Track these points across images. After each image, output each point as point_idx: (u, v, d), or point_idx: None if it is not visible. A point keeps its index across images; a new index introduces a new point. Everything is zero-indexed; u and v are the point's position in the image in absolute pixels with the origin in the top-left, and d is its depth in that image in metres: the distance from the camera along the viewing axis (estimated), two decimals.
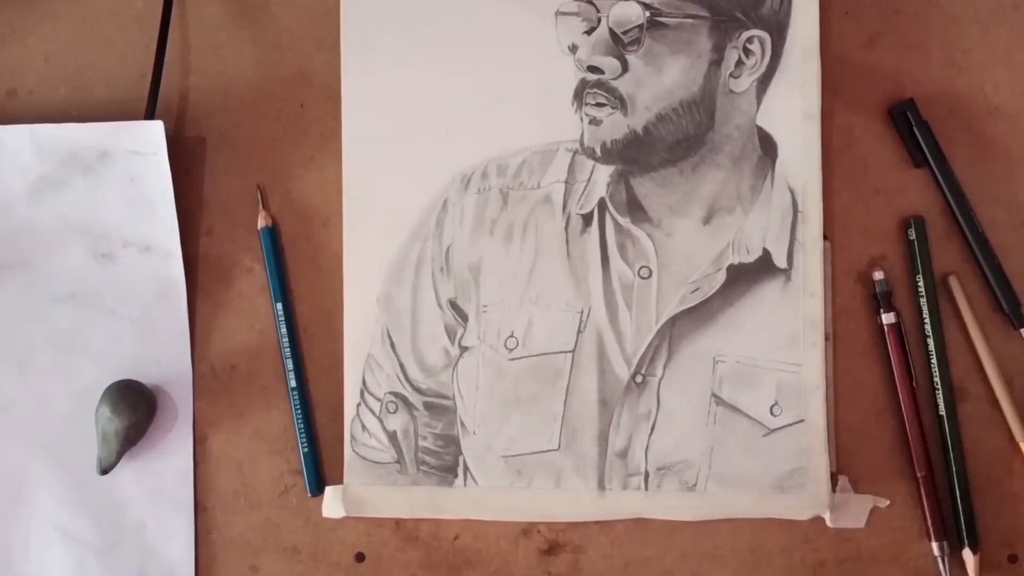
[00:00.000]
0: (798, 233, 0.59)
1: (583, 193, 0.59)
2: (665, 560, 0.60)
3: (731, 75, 0.59)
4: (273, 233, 0.61)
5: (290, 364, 0.61)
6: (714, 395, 0.58)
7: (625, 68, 0.59)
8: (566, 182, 0.59)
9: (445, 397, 0.59)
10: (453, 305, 0.60)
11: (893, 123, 0.61)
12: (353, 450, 0.60)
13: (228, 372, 0.61)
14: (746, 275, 0.59)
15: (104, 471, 0.59)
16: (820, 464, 0.58)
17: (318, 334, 0.61)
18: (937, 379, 0.59)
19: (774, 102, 0.59)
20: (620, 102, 0.59)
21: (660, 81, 0.59)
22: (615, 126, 0.59)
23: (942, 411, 0.59)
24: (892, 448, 0.60)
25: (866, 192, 0.61)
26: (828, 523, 0.59)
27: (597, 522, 0.60)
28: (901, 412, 0.59)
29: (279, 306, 0.61)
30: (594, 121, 0.59)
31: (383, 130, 0.60)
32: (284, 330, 0.61)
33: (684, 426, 0.59)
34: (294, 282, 0.62)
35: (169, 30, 0.61)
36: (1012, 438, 0.59)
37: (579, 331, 0.59)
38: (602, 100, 0.59)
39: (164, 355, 0.61)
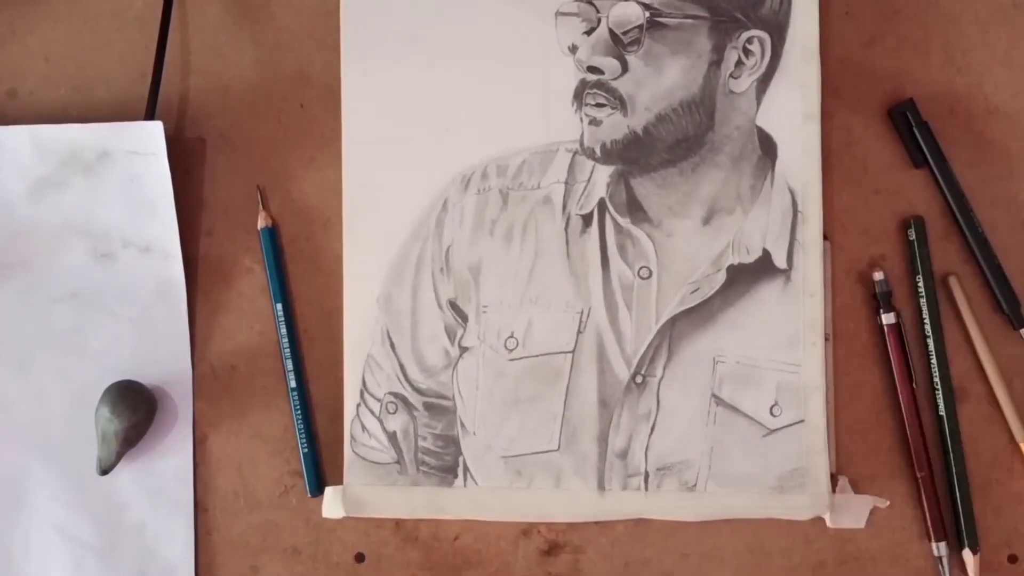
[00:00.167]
0: (798, 233, 0.59)
1: (583, 193, 0.59)
2: (665, 561, 0.60)
3: (731, 75, 0.59)
4: (273, 233, 0.61)
5: (290, 364, 0.61)
6: (714, 395, 0.58)
7: (625, 68, 0.59)
8: (566, 182, 0.59)
9: (445, 397, 0.59)
10: (453, 305, 0.60)
11: (893, 123, 0.61)
12: (353, 450, 0.60)
13: (228, 372, 0.61)
14: (746, 275, 0.59)
15: (104, 472, 0.59)
16: (820, 464, 0.58)
17: (318, 334, 0.61)
18: (937, 379, 0.59)
19: (774, 102, 0.59)
20: (620, 102, 0.59)
21: (660, 81, 0.59)
22: (615, 126, 0.59)
23: (942, 411, 0.59)
24: (892, 448, 0.60)
25: (866, 192, 0.61)
26: (828, 523, 0.59)
27: (597, 522, 0.60)
28: (901, 412, 0.59)
29: (279, 306, 0.61)
30: (594, 121, 0.59)
31: (383, 130, 0.60)
32: (284, 330, 0.61)
33: (684, 426, 0.59)
34: (294, 282, 0.62)
35: (169, 30, 0.61)
36: (1012, 438, 0.59)
37: (579, 331, 0.59)
38: (602, 100, 0.59)
39: (164, 355, 0.61)
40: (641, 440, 0.59)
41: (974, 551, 0.58)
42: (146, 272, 0.61)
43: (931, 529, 0.59)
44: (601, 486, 0.59)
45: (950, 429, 0.59)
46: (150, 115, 0.61)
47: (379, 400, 0.59)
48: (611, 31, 0.59)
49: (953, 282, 0.60)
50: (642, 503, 0.59)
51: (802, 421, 0.58)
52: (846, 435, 0.60)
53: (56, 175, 0.61)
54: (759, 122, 0.59)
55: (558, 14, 0.60)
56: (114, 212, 0.61)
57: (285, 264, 0.62)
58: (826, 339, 0.59)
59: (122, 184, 0.61)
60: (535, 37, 0.59)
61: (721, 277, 0.59)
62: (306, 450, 0.60)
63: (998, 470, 0.60)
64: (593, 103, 0.59)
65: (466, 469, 0.59)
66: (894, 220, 0.61)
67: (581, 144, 0.59)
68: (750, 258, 0.59)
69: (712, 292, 0.59)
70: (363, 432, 0.59)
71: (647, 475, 0.59)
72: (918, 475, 0.59)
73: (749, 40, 0.59)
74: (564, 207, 0.59)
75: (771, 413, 0.58)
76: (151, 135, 0.60)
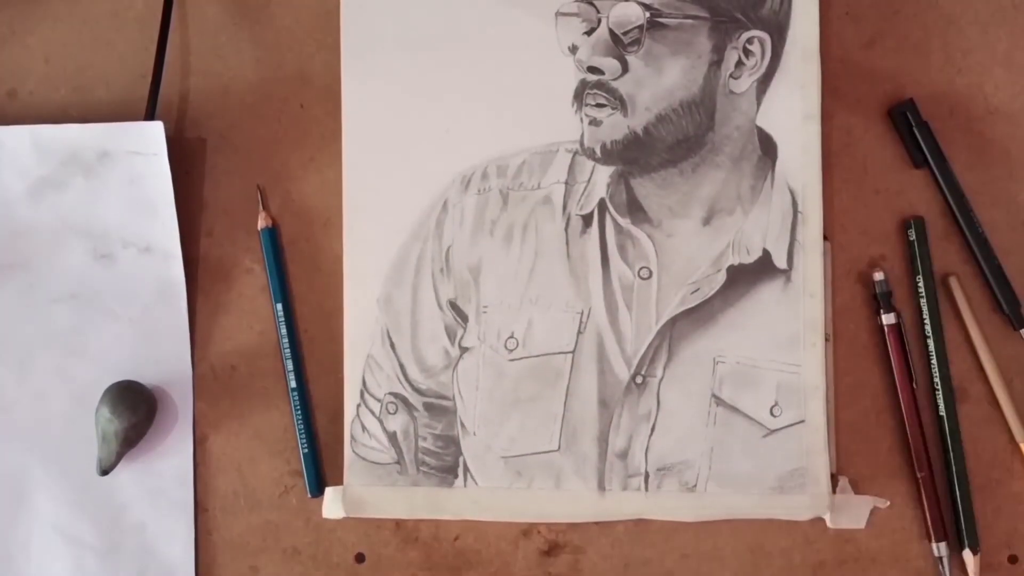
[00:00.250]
0: (798, 234, 0.59)
1: (583, 194, 0.59)
2: (665, 561, 0.60)
3: (731, 76, 0.59)
4: (273, 234, 0.61)
5: (290, 365, 0.61)
6: (714, 396, 0.58)
7: (625, 69, 0.59)
8: (566, 183, 0.59)
9: (445, 398, 0.59)
10: (453, 306, 0.60)
11: (893, 124, 0.61)
12: (353, 451, 0.60)
13: (228, 373, 0.61)
14: (746, 276, 0.59)
15: (104, 472, 0.59)
16: (820, 465, 0.58)
17: (318, 335, 0.61)
18: (937, 379, 0.59)
19: (774, 103, 0.59)
20: (620, 103, 0.59)
21: (660, 82, 0.59)
22: (615, 127, 0.59)
23: (942, 411, 0.59)
24: (892, 448, 0.60)
25: (866, 193, 0.61)
26: (828, 524, 0.59)
27: (597, 523, 0.60)
28: (901, 412, 0.59)
29: (279, 307, 0.61)
30: (594, 122, 0.59)
31: (383, 131, 0.60)
32: (284, 331, 0.61)
33: (684, 427, 0.59)
34: (294, 283, 0.62)
35: (169, 31, 0.61)
36: (1012, 438, 0.59)
37: (579, 332, 0.59)
38: (602, 101, 0.59)
39: (164, 356, 0.61)
40: (641, 440, 0.59)
41: (974, 551, 0.58)
42: (146, 272, 0.61)
43: (931, 529, 0.59)
44: (601, 486, 0.59)
45: (950, 429, 0.59)
46: (150, 115, 0.61)
47: (379, 400, 0.59)
48: (611, 31, 0.59)
49: (953, 282, 0.60)
50: (642, 503, 0.59)
51: (802, 421, 0.58)
52: (846, 435, 0.60)
53: (56, 175, 0.61)
54: (759, 122, 0.59)
55: (558, 14, 0.60)
56: (114, 212, 0.61)
57: (285, 264, 0.62)
58: (826, 339, 0.59)
59: (122, 184, 0.61)
60: (535, 37, 0.60)
61: (721, 277, 0.59)
62: (306, 450, 0.60)
63: (998, 470, 0.60)
64: (593, 103, 0.59)
65: (466, 469, 0.59)
66: (894, 220, 0.61)
67: (581, 144, 0.59)
68: (750, 258, 0.59)
69: (712, 292, 0.59)
70: (363, 432, 0.59)
71: (647, 475, 0.58)
72: (918, 475, 0.59)
73: (749, 40, 0.59)
74: (564, 207, 0.59)
75: (771, 413, 0.58)
76: (151, 135, 0.60)
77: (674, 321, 0.59)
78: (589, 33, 0.59)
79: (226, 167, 0.62)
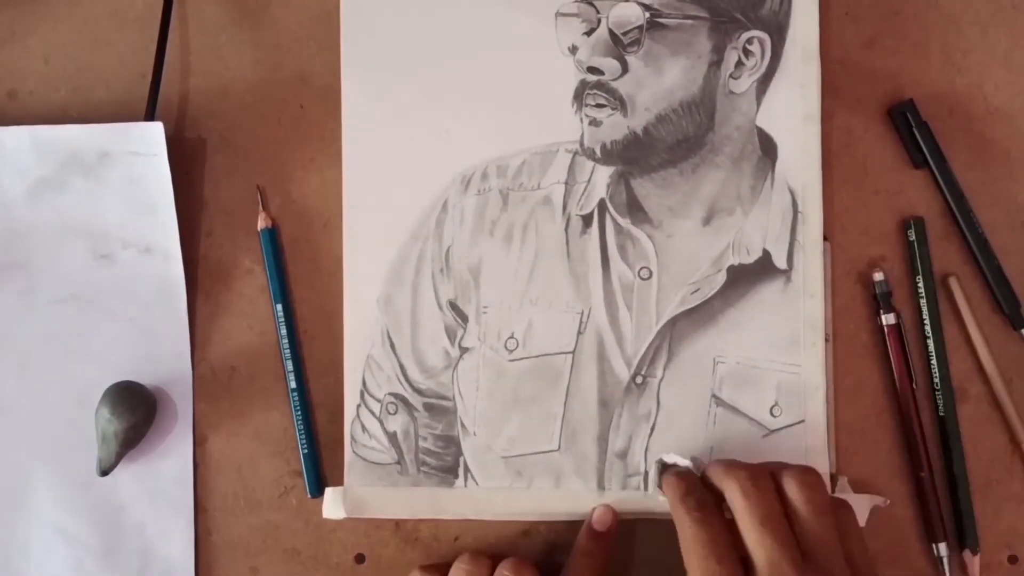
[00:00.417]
0: (798, 234, 0.59)
1: (583, 194, 0.59)
2: (665, 561, 0.60)
3: (731, 76, 0.59)
4: (273, 234, 0.61)
5: (290, 365, 0.61)
6: (714, 396, 0.58)
7: (625, 69, 0.59)
8: (566, 183, 0.59)
9: (445, 398, 0.59)
10: (453, 306, 0.60)
11: (893, 124, 0.61)
12: (353, 451, 0.60)
13: (228, 373, 0.61)
14: (746, 276, 0.59)
15: (104, 472, 0.59)
16: (820, 465, 0.58)
17: (318, 335, 0.61)
18: (937, 380, 0.59)
19: (774, 103, 0.59)
20: (620, 103, 0.59)
21: (660, 82, 0.59)
22: (615, 127, 0.59)
23: (942, 412, 0.59)
24: (892, 449, 0.60)
25: (866, 193, 0.61)
26: None
27: None
28: (901, 413, 0.59)
29: (279, 307, 0.61)
30: (594, 122, 0.59)
31: (383, 131, 0.60)
32: (284, 331, 0.61)
33: (684, 427, 0.59)
34: (294, 283, 0.62)
35: (169, 31, 0.61)
36: (1012, 439, 0.59)
37: (579, 332, 0.59)
38: (602, 101, 0.59)
39: (164, 356, 0.61)
40: (641, 440, 0.59)
41: (974, 551, 0.58)
42: (146, 273, 0.61)
43: (931, 530, 0.59)
44: (601, 486, 0.59)
45: (950, 429, 0.59)
46: (150, 116, 0.61)
47: (379, 401, 0.59)
48: (611, 32, 0.59)
49: (953, 283, 0.60)
50: (642, 503, 0.59)
51: (802, 421, 0.58)
52: (846, 435, 0.60)
53: (56, 176, 0.61)
54: (759, 122, 0.59)
55: (558, 15, 0.60)
56: (114, 213, 0.61)
57: (285, 265, 0.62)
58: (826, 340, 0.59)
59: (122, 185, 0.61)
60: (535, 38, 0.60)
61: (721, 278, 0.59)
62: (306, 451, 0.60)
63: (998, 470, 0.60)
64: (593, 104, 0.59)
65: (466, 469, 0.59)
66: (894, 221, 0.61)
67: (581, 145, 0.59)
68: (750, 259, 0.59)
69: (712, 293, 0.59)
70: (363, 433, 0.59)
71: (647, 475, 0.59)
72: (918, 475, 0.59)
73: (749, 41, 0.59)
74: (564, 208, 0.59)
75: (771, 414, 0.58)
76: (151, 136, 0.60)
77: (674, 321, 0.59)
78: (589, 33, 0.59)
79: (226, 167, 0.62)
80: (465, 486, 0.59)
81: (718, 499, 0.53)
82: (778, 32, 0.59)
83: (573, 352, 0.59)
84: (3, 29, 0.63)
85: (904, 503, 0.60)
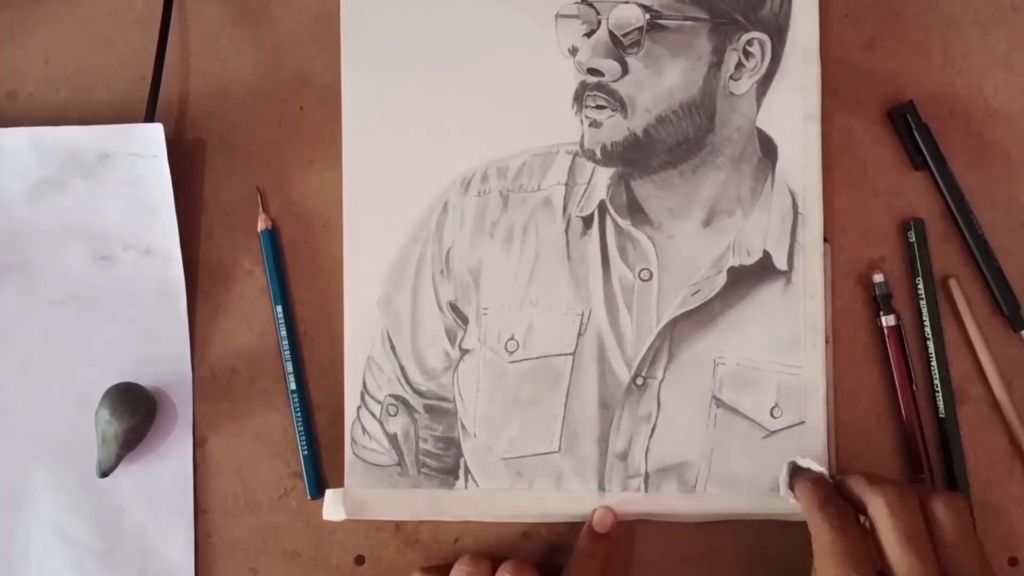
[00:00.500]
0: (798, 235, 0.59)
1: (583, 195, 0.59)
2: (665, 562, 0.60)
3: (731, 77, 0.59)
4: (273, 236, 0.61)
5: (290, 367, 0.61)
6: (714, 397, 0.58)
7: (625, 70, 0.59)
8: (566, 184, 0.59)
9: (445, 399, 0.59)
10: (453, 307, 0.60)
11: (893, 125, 0.61)
12: (353, 453, 0.60)
13: (228, 375, 0.61)
14: (746, 277, 0.59)
15: (104, 474, 0.59)
16: (820, 465, 0.58)
17: (318, 337, 0.61)
18: (937, 381, 0.59)
19: (774, 104, 0.59)
20: (620, 104, 0.59)
21: (660, 83, 0.59)
22: (615, 128, 0.59)
23: (942, 413, 0.59)
24: (892, 450, 0.60)
25: (866, 194, 0.61)
26: None
27: None
28: (901, 414, 0.59)
29: (279, 309, 0.61)
30: (594, 123, 0.59)
31: (383, 132, 0.60)
32: (284, 333, 0.61)
33: (684, 428, 0.59)
34: (294, 285, 0.61)
35: (169, 32, 0.61)
36: (1012, 440, 0.59)
37: (579, 333, 0.59)
38: (602, 102, 0.59)
39: (164, 358, 0.61)
40: (641, 442, 0.59)
41: None
42: (146, 274, 0.61)
43: None
44: (601, 487, 0.59)
45: (950, 431, 0.59)
46: (150, 117, 0.61)
47: (380, 402, 0.59)
48: (611, 33, 0.59)
49: (953, 284, 0.60)
50: (642, 504, 0.59)
51: (802, 423, 0.58)
52: (846, 437, 0.60)
53: (56, 177, 0.61)
54: (759, 124, 0.59)
55: (558, 16, 0.60)
56: (114, 214, 0.61)
57: (285, 266, 0.62)
58: (826, 341, 0.59)
59: (122, 186, 0.61)
60: (535, 39, 0.60)
61: (722, 279, 0.59)
62: (306, 452, 0.60)
63: (998, 471, 0.60)
64: (593, 105, 0.59)
65: (467, 471, 0.59)
66: (894, 222, 0.61)
67: (581, 146, 0.59)
68: (750, 260, 0.59)
69: (713, 294, 0.59)
70: (363, 434, 0.59)
71: (647, 476, 0.59)
72: (918, 476, 0.59)
73: (749, 42, 0.59)
74: (564, 209, 0.59)
75: (771, 415, 0.58)
76: (151, 137, 0.60)
77: (674, 323, 0.59)
78: (589, 35, 0.59)
79: (226, 169, 0.62)
80: (465, 487, 0.59)
81: (856, 509, 0.53)
82: (778, 33, 0.59)
83: (573, 353, 0.59)
84: (3, 30, 0.63)
85: None
